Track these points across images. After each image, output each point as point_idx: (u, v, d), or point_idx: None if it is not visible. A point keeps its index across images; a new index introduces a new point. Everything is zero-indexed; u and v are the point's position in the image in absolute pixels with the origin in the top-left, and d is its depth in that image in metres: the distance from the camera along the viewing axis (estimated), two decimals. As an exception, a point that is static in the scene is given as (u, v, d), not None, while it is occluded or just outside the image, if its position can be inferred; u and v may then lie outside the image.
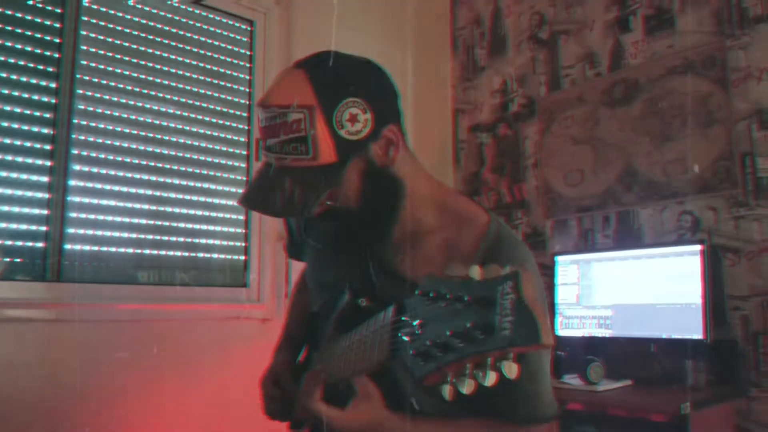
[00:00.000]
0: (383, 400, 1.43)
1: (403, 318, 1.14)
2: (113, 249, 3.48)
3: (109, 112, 3.51)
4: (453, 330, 0.98)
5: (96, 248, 3.42)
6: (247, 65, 4.12)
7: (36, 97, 3.28)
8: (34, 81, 3.28)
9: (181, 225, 3.73)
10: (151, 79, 3.68)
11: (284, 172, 1.46)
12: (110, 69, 3.54)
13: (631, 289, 3.45)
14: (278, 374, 1.99)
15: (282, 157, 1.45)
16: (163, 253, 3.66)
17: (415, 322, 1.09)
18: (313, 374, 1.51)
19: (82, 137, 3.40)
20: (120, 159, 3.53)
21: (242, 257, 3.98)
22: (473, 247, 1.55)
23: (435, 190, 1.68)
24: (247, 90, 4.09)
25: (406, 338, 1.10)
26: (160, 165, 3.66)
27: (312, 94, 1.44)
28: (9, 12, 3.23)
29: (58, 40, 3.37)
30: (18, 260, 3.18)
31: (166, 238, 3.67)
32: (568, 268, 3.79)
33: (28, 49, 3.28)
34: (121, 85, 3.57)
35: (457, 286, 1.02)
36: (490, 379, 0.97)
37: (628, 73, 3.90)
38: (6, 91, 3.19)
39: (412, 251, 1.61)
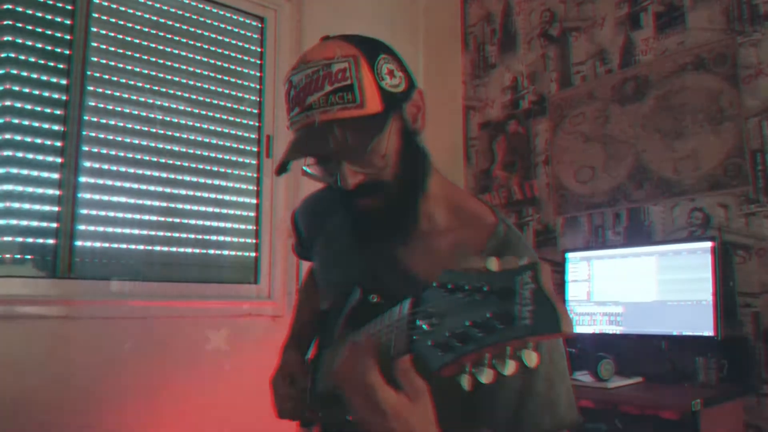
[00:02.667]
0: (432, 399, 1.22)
1: (421, 310, 1.13)
2: (124, 246, 3.48)
3: (119, 109, 3.52)
4: (472, 320, 0.98)
5: (107, 245, 3.42)
6: (258, 62, 4.13)
7: (47, 94, 3.28)
8: (44, 78, 3.29)
9: (192, 222, 3.74)
10: (161, 76, 3.69)
11: (332, 124, 1.44)
12: (121, 66, 3.55)
13: (641, 286, 3.44)
14: (291, 372, 1.99)
15: (327, 110, 1.43)
16: (173, 250, 3.66)
17: (434, 314, 1.09)
18: (361, 341, 1.30)
19: (93, 134, 3.41)
20: (130, 156, 3.53)
21: (253, 254, 3.99)
22: (480, 247, 1.55)
23: (446, 189, 1.69)
24: (258, 87, 4.09)
25: (424, 330, 1.10)
26: (171, 162, 3.67)
27: (352, 47, 1.47)
28: (20, 9, 3.24)
29: (68, 37, 3.38)
30: (29, 257, 3.19)
31: (176, 234, 3.68)
32: (578, 265, 3.79)
33: (39, 46, 3.29)
34: (132, 82, 3.58)
35: (476, 278, 1.02)
36: (510, 368, 0.96)
37: (638, 70, 3.90)
38: (17, 88, 3.20)
39: (421, 250, 1.61)
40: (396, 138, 1.52)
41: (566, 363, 1.53)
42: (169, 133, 3.68)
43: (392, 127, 1.50)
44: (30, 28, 3.27)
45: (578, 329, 3.69)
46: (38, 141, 3.24)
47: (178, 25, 3.78)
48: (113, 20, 3.54)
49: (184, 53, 3.79)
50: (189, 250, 3.72)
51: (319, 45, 1.52)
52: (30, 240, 3.19)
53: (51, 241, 3.25)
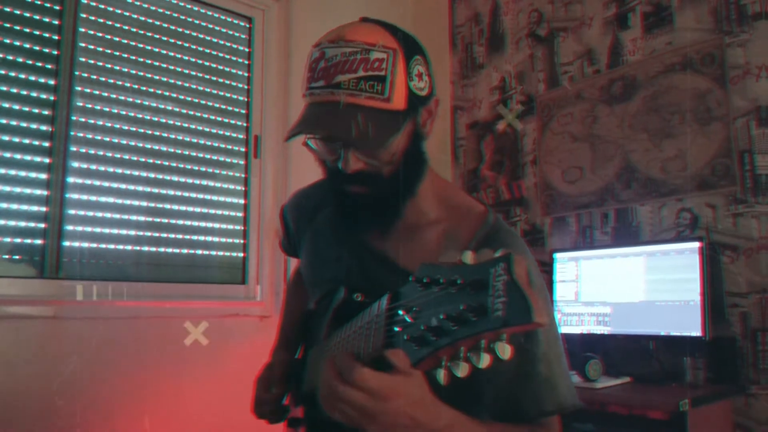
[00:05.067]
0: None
1: (398, 306, 1.14)
2: (112, 246, 3.48)
3: (107, 110, 3.51)
4: (446, 314, 0.98)
5: (95, 245, 3.41)
6: (246, 62, 4.12)
7: (34, 95, 3.27)
8: (32, 78, 3.27)
9: (180, 222, 3.73)
10: (149, 76, 3.68)
11: (356, 109, 1.44)
12: (109, 66, 3.54)
13: (629, 287, 3.45)
14: (272, 375, 1.99)
15: (354, 94, 1.44)
16: (161, 250, 3.65)
17: (410, 309, 1.09)
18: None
19: (81, 134, 3.40)
20: (118, 156, 3.52)
21: (241, 254, 3.98)
22: (469, 236, 1.57)
23: (438, 183, 1.71)
24: (246, 87, 4.08)
25: (400, 325, 1.10)
26: (159, 162, 3.66)
27: (394, 40, 1.50)
28: (8, 9, 3.22)
29: (56, 38, 3.37)
30: (17, 257, 3.18)
31: (164, 235, 3.67)
32: (566, 266, 3.80)
33: (27, 46, 3.27)
34: (120, 83, 3.57)
35: (450, 271, 1.02)
36: (484, 361, 0.97)
37: (626, 70, 3.91)
38: (4, 88, 3.19)
39: (411, 243, 1.63)
40: (405, 138, 1.53)
41: (563, 346, 1.54)
42: (157, 134, 3.67)
43: (406, 127, 1.52)
44: (18, 28, 3.25)
45: (566, 329, 3.70)
46: (26, 141, 3.23)
47: (166, 25, 3.77)
48: (101, 20, 3.53)
49: (172, 53, 3.78)
50: (177, 250, 3.72)
51: (361, 26, 1.53)
52: (18, 240, 3.18)
53: (39, 242, 3.24)
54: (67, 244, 3.31)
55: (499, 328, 0.93)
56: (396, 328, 1.11)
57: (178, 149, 3.74)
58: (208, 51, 3.94)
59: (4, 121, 3.17)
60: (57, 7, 3.37)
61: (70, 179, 3.35)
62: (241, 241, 3.99)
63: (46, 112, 3.30)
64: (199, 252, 3.80)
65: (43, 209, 3.26)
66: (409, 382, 1.17)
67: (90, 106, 3.45)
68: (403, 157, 1.55)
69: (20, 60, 3.25)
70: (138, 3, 3.67)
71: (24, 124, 3.23)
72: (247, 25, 4.15)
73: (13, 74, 3.22)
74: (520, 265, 0.96)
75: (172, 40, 3.79)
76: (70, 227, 3.33)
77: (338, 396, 1.19)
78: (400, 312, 1.11)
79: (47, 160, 3.28)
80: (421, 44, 1.58)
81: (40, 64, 3.31)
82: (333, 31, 1.52)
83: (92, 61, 3.48)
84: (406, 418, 1.18)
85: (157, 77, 3.71)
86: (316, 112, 1.48)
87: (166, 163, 3.69)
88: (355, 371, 1.16)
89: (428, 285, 1.06)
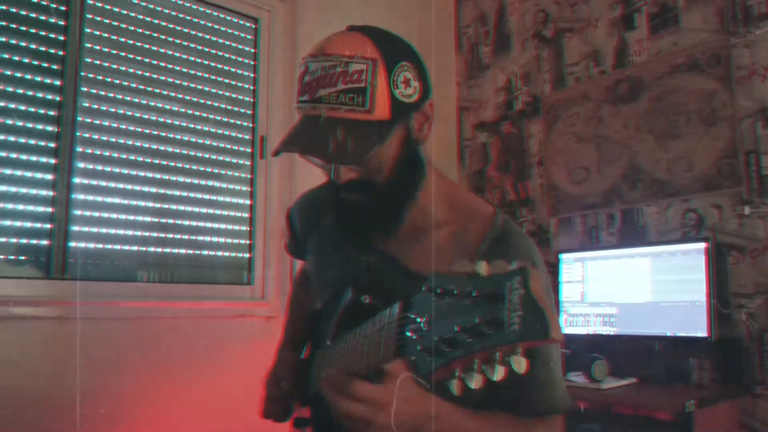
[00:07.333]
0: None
1: (409, 314, 1.13)
2: (117, 247, 3.48)
3: (113, 110, 3.51)
4: (461, 325, 0.98)
5: (100, 246, 3.41)
6: (252, 63, 4.11)
7: (40, 95, 3.27)
8: (38, 79, 3.28)
9: (186, 223, 3.73)
10: (155, 76, 3.67)
11: (336, 123, 1.45)
12: (115, 67, 3.54)
13: (635, 287, 3.45)
14: (281, 374, 1.99)
15: (335, 108, 1.45)
16: (167, 250, 3.65)
17: (422, 319, 1.09)
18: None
19: (87, 135, 3.40)
20: (124, 157, 3.52)
21: (246, 255, 3.98)
22: (479, 238, 1.56)
23: (445, 185, 1.71)
24: (252, 88, 4.08)
25: (412, 335, 1.10)
26: (165, 163, 3.66)
27: (375, 49, 1.48)
28: (14, 10, 3.23)
29: (62, 38, 3.37)
30: (22, 258, 3.18)
31: (170, 235, 3.67)
32: (572, 266, 3.79)
33: (33, 46, 3.28)
34: (126, 83, 3.57)
35: (465, 282, 1.02)
36: (499, 373, 0.97)
37: (632, 70, 3.90)
38: (11, 89, 3.19)
39: (419, 245, 1.62)
40: (396, 145, 1.54)
41: (559, 351, 1.55)
42: (163, 134, 3.67)
43: (395, 134, 1.52)
44: (24, 29, 3.26)
45: (572, 330, 3.69)
46: (32, 142, 3.23)
47: (171, 26, 3.77)
48: (107, 21, 3.53)
49: (177, 54, 3.78)
50: (183, 250, 3.72)
51: (343, 37, 1.52)
52: (24, 241, 3.18)
53: (45, 242, 3.24)
54: (72, 244, 3.31)
55: (514, 342, 0.93)
56: (408, 337, 1.11)
57: (184, 150, 3.74)
58: (213, 52, 3.94)
59: (10, 122, 3.17)
60: (63, 8, 3.38)
61: (76, 180, 3.35)
62: (247, 242, 3.98)
63: (51, 113, 3.30)
64: (205, 252, 3.80)
65: (49, 210, 3.26)
66: (399, 386, 1.25)
67: (96, 106, 3.45)
68: (396, 163, 1.55)
69: (26, 61, 3.25)
70: (144, 4, 3.67)
71: (30, 125, 3.23)
72: (253, 26, 4.15)
73: (19, 75, 3.22)
74: (536, 279, 0.96)
75: (178, 41, 3.79)
76: (75, 228, 3.33)
77: (344, 413, 1.28)
78: (412, 321, 1.11)
79: (53, 161, 3.29)
80: (411, 49, 1.57)
81: (46, 64, 3.31)
82: (317, 44, 1.53)
83: (98, 62, 3.49)
84: (404, 414, 1.25)
85: (162, 78, 3.71)
86: (300, 128, 1.51)
87: (172, 164, 3.69)
88: (353, 387, 1.27)
89: (442, 295, 1.06)
